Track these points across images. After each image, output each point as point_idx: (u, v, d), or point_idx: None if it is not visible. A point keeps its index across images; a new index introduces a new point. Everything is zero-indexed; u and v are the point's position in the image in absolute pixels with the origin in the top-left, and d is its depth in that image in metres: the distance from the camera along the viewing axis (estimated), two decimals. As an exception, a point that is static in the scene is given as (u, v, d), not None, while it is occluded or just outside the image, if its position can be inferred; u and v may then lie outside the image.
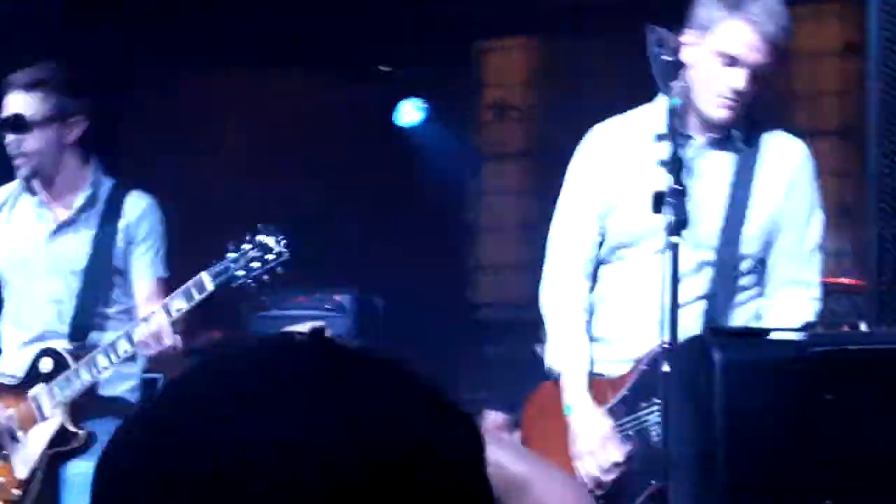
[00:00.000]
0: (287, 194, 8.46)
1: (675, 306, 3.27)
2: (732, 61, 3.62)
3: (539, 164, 9.10)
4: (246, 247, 3.92)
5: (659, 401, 3.64)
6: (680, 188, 3.38)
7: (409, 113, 8.13)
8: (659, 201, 3.42)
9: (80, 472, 4.26)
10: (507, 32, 8.89)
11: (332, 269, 7.92)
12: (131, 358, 4.25)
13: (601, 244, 3.90)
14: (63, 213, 4.47)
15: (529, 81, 9.22)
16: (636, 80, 7.64)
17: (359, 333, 7.46)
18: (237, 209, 8.14)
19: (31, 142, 4.35)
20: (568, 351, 3.79)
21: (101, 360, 4.19)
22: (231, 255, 3.93)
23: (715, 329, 3.06)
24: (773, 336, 3.36)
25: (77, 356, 4.27)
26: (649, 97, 3.92)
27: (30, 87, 4.35)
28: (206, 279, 3.97)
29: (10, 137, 4.36)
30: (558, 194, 4.06)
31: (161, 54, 7.61)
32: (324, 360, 1.05)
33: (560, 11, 8.27)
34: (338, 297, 7.54)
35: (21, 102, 4.34)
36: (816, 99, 8.52)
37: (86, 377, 4.23)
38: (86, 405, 4.31)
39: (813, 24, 8.52)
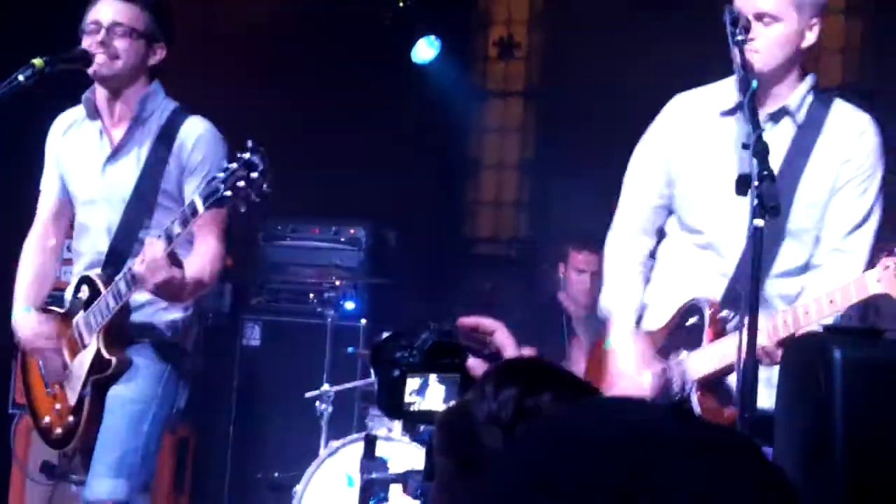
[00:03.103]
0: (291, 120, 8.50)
1: (756, 289, 3.41)
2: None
3: (542, 102, 9.22)
4: (233, 166, 3.90)
5: (682, 354, 3.89)
6: (767, 173, 3.40)
7: (424, 49, 8.17)
8: (744, 184, 3.48)
9: (115, 394, 4.36)
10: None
11: (344, 201, 8.00)
12: None
13: (667, 207, 4.12)
14: (118, 139, 4.47)
15: (535, 20, 9.29)
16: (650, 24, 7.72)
17: (372, 266, 7.55)
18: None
19: (123, 44, 4.36)
20: (618, 295, 4.12)
21: (122, 287, 4.21)
22: (220, 175, 3.92)
23: (832, 327, 3.18)
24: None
25: (108, 283, 4.31)
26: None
27: None
28: (198, 201, 3.97)
29: (98, 37, 4.34)
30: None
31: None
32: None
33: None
34: (352, 231, 7.60)
35: (118, 9, 4.36)
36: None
37: (111, 303, 4.26)
38: (120, 332, 4.36)
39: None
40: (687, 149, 4.04)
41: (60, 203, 4.65)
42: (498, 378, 1.78)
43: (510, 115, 9.28)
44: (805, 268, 3.92)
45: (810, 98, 3.91)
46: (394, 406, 2.15)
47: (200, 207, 3.96)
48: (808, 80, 3.92)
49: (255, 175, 3.88)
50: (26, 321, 4.54)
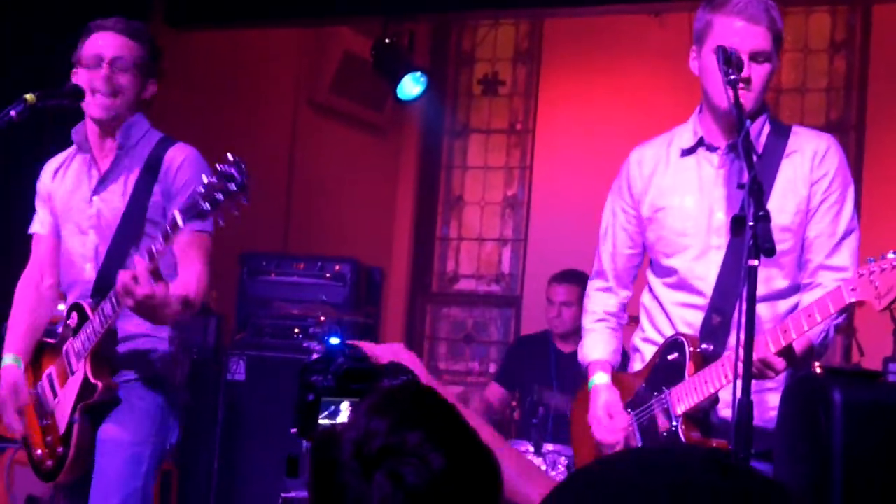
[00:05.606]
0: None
1: (750, 328, 3.41)
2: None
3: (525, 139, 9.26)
4: (212, 179, 3.84)
5: (666, 390, 3.91)
6: (763, 213, 3.40)
7: (410, 86, 8.21)
8: (739, 225, 3.49)
9: (110, 437, 4.33)
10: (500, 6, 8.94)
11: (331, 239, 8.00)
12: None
13: (642, 253, 4.22)
14: (105, 168, 4.48)
15: (519, 57, 9.33)
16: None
17: (357, 303, 7.55)
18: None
19: (125, 80, 4.38)
20: (592, 348, 4.26)
21: (107, 308, 4.18)
22: (199, 190, 3.86)
23: (830, 369, 3.19)
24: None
25: (95, 309, 4.27)
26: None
27: (126, 32, 4.39)
28: (178, 215, 3.92)
29: (101, 72, 4.35)
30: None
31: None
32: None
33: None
34: (337, 266, 7.60)
35: (120, 43, 4.37)
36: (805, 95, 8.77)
37: (98, 327, 4.23)
38: (107, 357, 4.34)
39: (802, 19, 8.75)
40: (654, 192, 4.09)
41: (55, 243, 4.63)
42: (373, 404, 1.75)
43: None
44: (793, 289, 3.95)
45: (767, 128, 3.95)
46: (305, 428, 2.23)
47: (180, 221, 3.91)
48: (765, 110, 3.97)
49: (233, 187, 3.82)
50: (9, 375, 4.53)
